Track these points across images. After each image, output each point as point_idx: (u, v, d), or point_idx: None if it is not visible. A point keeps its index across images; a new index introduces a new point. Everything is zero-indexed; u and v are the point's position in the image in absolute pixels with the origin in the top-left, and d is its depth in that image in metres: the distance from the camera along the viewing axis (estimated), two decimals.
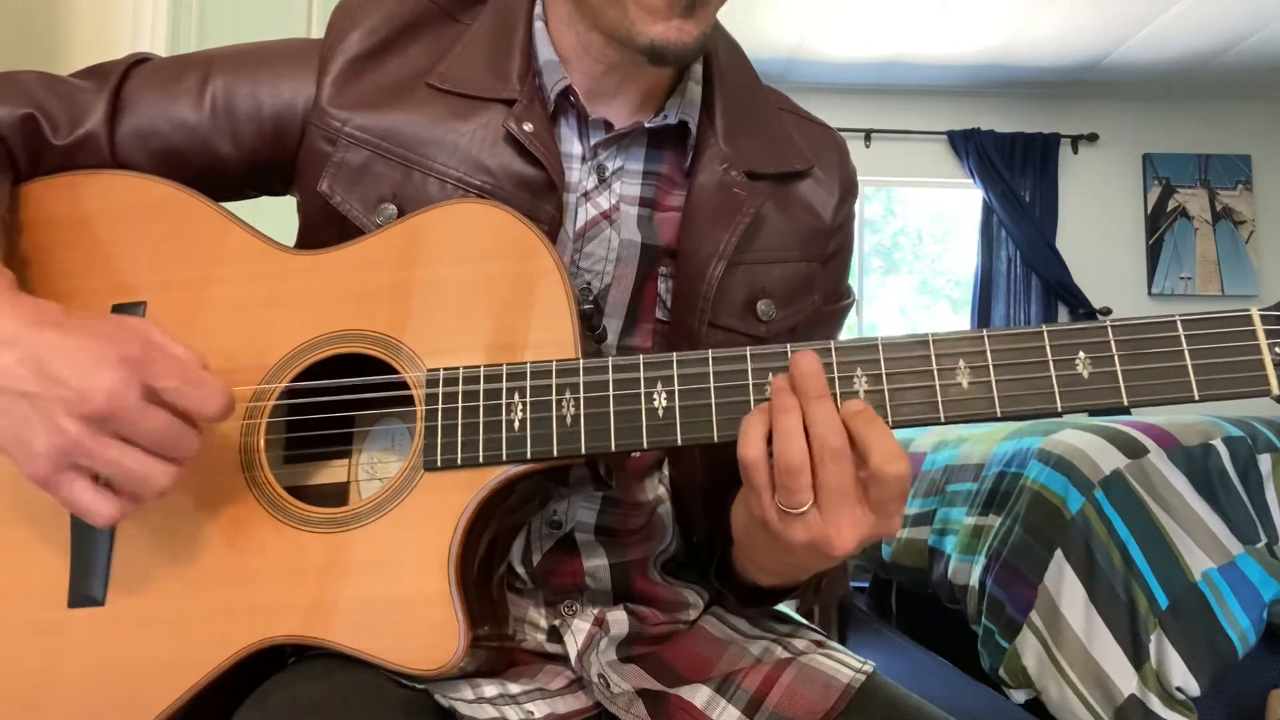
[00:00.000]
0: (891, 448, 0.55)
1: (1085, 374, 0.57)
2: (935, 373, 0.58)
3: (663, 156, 0.78)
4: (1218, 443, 1.71)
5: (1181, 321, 0.57)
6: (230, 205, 0.76)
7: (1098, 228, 4.49)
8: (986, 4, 3.68)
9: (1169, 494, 1.64)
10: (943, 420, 0.58)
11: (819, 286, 0.81)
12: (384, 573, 0.61)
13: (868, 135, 4.43)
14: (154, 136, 0.74)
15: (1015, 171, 4.43)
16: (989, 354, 0.58)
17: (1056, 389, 0.57)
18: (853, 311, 0.92)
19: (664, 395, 0.60)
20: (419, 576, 0.61)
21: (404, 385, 0.64)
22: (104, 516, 0.57)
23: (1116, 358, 0.57)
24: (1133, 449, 1.71)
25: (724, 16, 0.84)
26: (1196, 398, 0.56)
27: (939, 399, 0.58)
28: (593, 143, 0.76)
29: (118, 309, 0.68)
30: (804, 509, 0.55)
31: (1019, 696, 1.70)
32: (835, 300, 0.86)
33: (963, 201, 4.61)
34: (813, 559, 0.59)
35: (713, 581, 0.78)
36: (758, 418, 0.57)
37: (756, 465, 0.57)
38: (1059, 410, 0.57)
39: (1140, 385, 0.56)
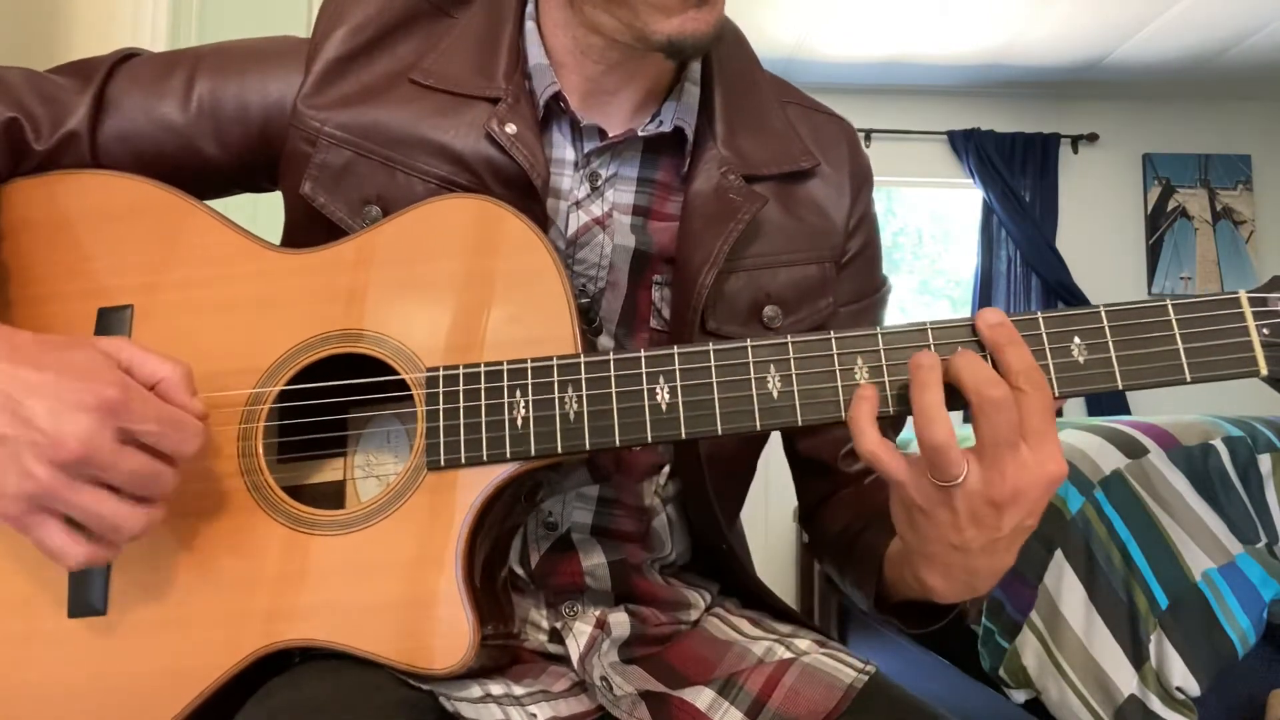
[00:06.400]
0: (1031, 364, 0.54)
1: (1081, 359, 0.58)
2: None
3: (659, 163, 0.76)
4: (1218, 443, 1.71)
5: (1173, 305, 0.58)
6: (222, 202, 0.75)
7: (1098, 228, 4.49)
8: (986, 4, 3.68)
9: (1169, 494, 1.64)
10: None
11: (835, 289, 0.80)
12: (391, 573, 0.61)
13: (868, 135, 4.42)
14: (138, 138, 0.73)
15: (1015, 171, 4.42)
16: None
17: (1053, 375, 0.57)
18: None
19: (667, 390, 0.60)
20: (426, 577, 0.60)
21: (401, 384, 0.64)
22: (74, 560, 0.56)
23: (1111, 343, 0.57)
24: (1133, 449, 1.71)
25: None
26: (1188, 380, 0.57)
27: None
28: (585, 150, 0.74)
29: (104, 313, 0.67)
30: (960, 479, 0.54)
31: (1019, 696, 1.70)
32: (871, 293, 0.84)
33: (962, 201, 4.60)
34: (986, 522, 0.55)
35: (873, 616, 0.75)
36: (866, 408, 0.56)
37: (877, 454, 0.55)
38: (1056, 395, 0.57)
39: (1134, 369, 0.57)
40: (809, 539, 0.89)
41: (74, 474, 0.54)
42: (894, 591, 0.69)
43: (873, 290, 0.84)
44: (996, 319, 0.56)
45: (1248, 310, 0.57)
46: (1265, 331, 0.57)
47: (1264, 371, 0.57)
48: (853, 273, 0.81)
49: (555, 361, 0.62)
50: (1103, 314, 0.58)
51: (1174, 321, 0.57)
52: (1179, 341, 0.57)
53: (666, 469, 0.79)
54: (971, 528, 0.55)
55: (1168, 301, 0.58)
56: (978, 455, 0.54)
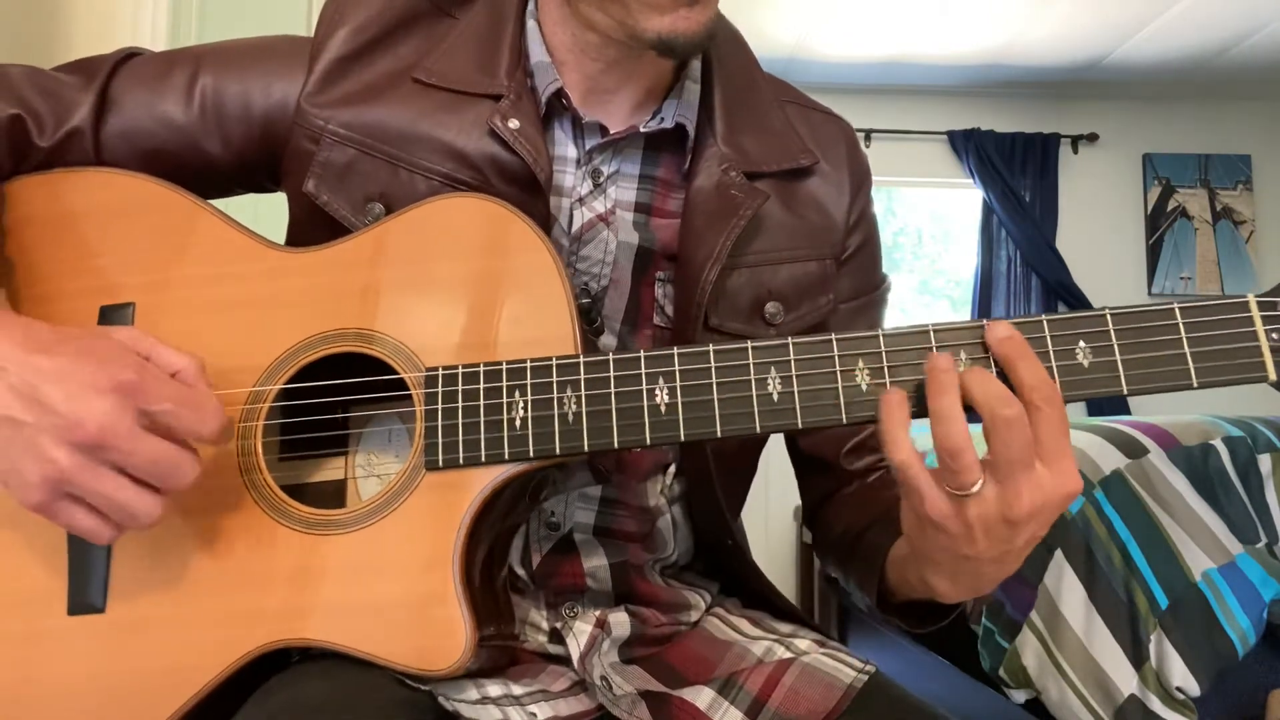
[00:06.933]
0: (1043, 378, 0.53)
1: (1085, 363, 0.57)
2: None
3: (660, 160, 0.77)
4: (1218, 443, 1.71)
5: (1180, 309, 0.57)
6: (224, 202, 0.76)
7: (1098, 228, 4.49)
8: (986, 4, 3.68)
9: (1169, 494, 1.64)
10: None
11: (836, 286, 0.80)
12: (388, 574, 0.61)
13: (868, 135, 4.42)
14: (141, 135, 0.73)
15: (1015, 171, 4.42)
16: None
17: (1058, 379, 0.56)
18: None
19: (666, 391, 0.60)
20: (423, 577, 0.60)
21: (402, 384, 0.64)
22: (105, 538, 0.57)
23: (1116, 346, 0.57)
24: (1133, 449, 1.71)
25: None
26: (1195, 385, 0.56)
27: None
28: (587, 147, 0.75)
29: (106, 310, 0.67)
30: (975, 488, 0.53)
31: (1019, 696, 1.70)
32: (870, 291, 0.84)
33: (963, 201, 4.60)
34: (998, 538, 0.54)
35: (874, 616, 0.75)
36: (899, 416, 0.54)
37: (909, 465, 0.54)
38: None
39: (1139, 374, 0.56)
40: (813, 538, 0.89)
41: (93, 458, 0.54)
42: (897, 593, 0.69)
43: (871, 288, 0.84)
44: (1006, 332, 0.55)
45: (1256, 314, 0.56)
46: (1275, 336, 0.56)
47: (1273, 377, 0.56)
48: (852, 270, 0.82)
49: (554, 362, 0.61)
50: (1108, 317, 0.57)
51: (1181, 325, 0.56)
52: (1186, 346, 0.56)
53: (672, 468, 0.79)
54: (985, 540, 0.54)
55: (1174, 305, 0.57)
56: (992, 472, 0.53)
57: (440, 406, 0.62)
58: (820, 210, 0.79)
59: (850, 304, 0.82)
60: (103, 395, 0.54)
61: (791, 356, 0.59)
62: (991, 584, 0.59)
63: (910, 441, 0.55)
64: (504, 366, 0.62)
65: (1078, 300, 4.37)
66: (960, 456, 0.53)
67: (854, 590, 0.76)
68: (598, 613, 0.74)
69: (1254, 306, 0.56)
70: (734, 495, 0.82)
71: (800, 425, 0.59)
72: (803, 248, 0.78)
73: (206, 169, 0.75)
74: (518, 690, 0.67)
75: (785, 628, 0.79)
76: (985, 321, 0.57)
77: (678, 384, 0.60)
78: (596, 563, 0.76)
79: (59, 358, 0.55)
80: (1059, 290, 4.38)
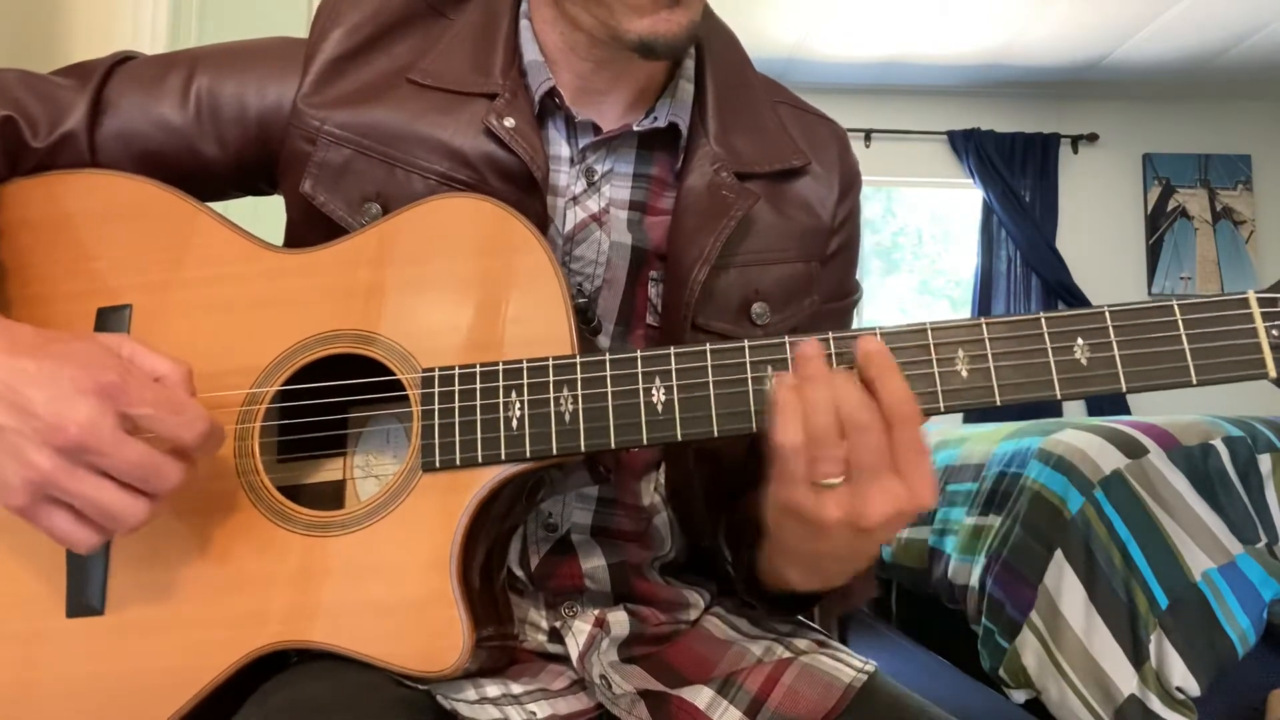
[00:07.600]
0: (902, 396, 0.54)
1: (1084, 360, 0.57)
2: (934, 361, 0.58)
3: (653, 159, 0.77)
4: (1218, 443, 1.71)
5: (1179, 306, 0.56)
6: (223, 203, 0.76)
7: (1098, 228, 4.49)
8: (986, 4, 3.68)
9: (1169, 494, 1.64)
10: (942, 409, 0.58)
11: (819, 287, 0.80)
12: (386, 576, 0.61)
13: (868, 135, 4.43)
14: (136, 138, 0.73)
15: (1015, 171, 4.43)
16: (987, 342, 0.57)
17: (1055, 376, 0.56)
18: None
19: (662, 390, 0.60)
20: (421, 579, 0.60)
21: (400, 384, 0.64)
22: (85, 545, 0.56)
23: (1114, 343, 0.56)
24: (1133, 449, 1.71)
25: (723, 16, 0.83)
26: (1194, 382, 0.56)
27: (939, 388, 0.58)
28: (580, 146, 0.75)
29: (103, 312, 0.67)
30: (835, 481, 0.54)
31: (1019, 696, 1.70)
32: (841, 297, 0.84)
33: (963, 201, 4.60)
34: (847, 540, 0.56)
35: (740, 593, 0.76)
36: (793, 402, 0.55)
37: (797, 451, 0.54)
38: (1058, 397, 0.56)
39: (1138, 370, 0.56)
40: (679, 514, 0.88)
41: (75, 461, 0.54)
42: (762, 581, 0.72)
43: (845, 294, 0.84)
44: (873, 347, 0.55)
45: (1256, 311, 0.56)
46: (1275, 333, 0.55)
47: (1273, 374, 0.55)
48: (830, 271, 0.82)
49: (550, 362, 0.61)
50: (1107, 314, 0.57)
51: (1180, 322, 0.56)
52: (1185, 343, 0.56)
53: (664, 465, 0.79)
54: (837, 538, 0.56)
55: (1174, 302, 0.56)
56: (847, 476, 0.54)
57: (437, 407, 0.62)
58: (809, 211, 0.79)
59: (828, 305, 0.82)
60: (84, 397, 0.54)
61: (788, 355, 0.59)
62: (841, 578, 0.63)
63: (800, 429, 0.54)
64: (500, 367, 0.62)
65: (1078, 300, 4.38)
66: (824, 446, 0.53)
67: (720, 553, 0.78)
68: (597, 612, 0.74)
69: (1254, 303, 0.56)
70: (716, 494, 0.82)
71: None
72: (791, 249, 0.78)
73: (202, 171, 0.75)
74: (516, 689, 0.67)
75: (785, 627, 0.79)
76: (960, 323, 0.57)
77: (674, 383, 0.60)
78: (595, 563, 0.76)
79: (42, 361, 0.55)
80: (1059, 290, 4.38)
